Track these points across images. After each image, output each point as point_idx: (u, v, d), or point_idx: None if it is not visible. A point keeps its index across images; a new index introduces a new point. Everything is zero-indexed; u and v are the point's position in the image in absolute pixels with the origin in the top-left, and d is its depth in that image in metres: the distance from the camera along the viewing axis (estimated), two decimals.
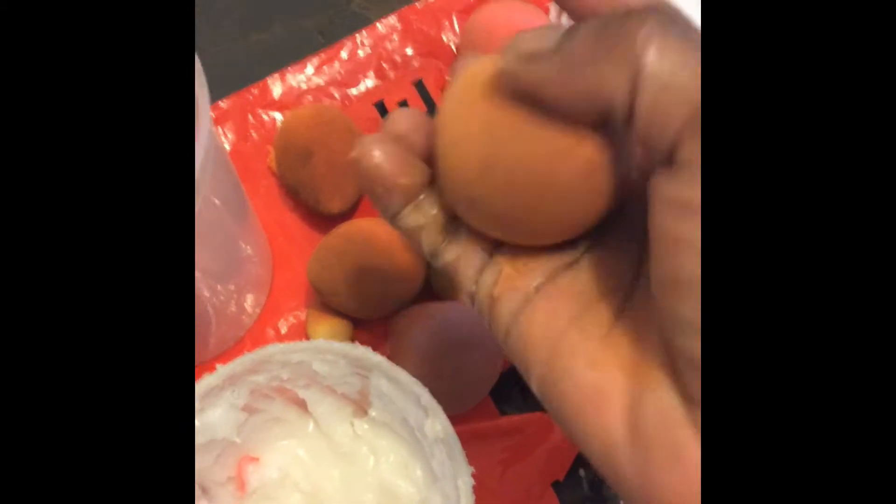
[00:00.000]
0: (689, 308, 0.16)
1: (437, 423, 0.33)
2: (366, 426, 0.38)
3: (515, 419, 0.40)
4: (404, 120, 0.21)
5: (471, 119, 0.19)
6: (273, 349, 0.34)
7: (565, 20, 0.43)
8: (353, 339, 0.43)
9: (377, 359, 0.34)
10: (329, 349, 0.34)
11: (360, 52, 0.50)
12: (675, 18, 0.16)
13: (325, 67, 0.49)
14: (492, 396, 0.42)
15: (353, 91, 0.49)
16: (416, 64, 0.50)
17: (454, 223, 0.22)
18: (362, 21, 0.52)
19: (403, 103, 0.49)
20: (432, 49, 0.50)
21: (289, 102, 0.49)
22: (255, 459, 0.38)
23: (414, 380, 0.33)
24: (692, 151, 0.15)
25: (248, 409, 0.37)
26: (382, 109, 0.49)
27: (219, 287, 0.40)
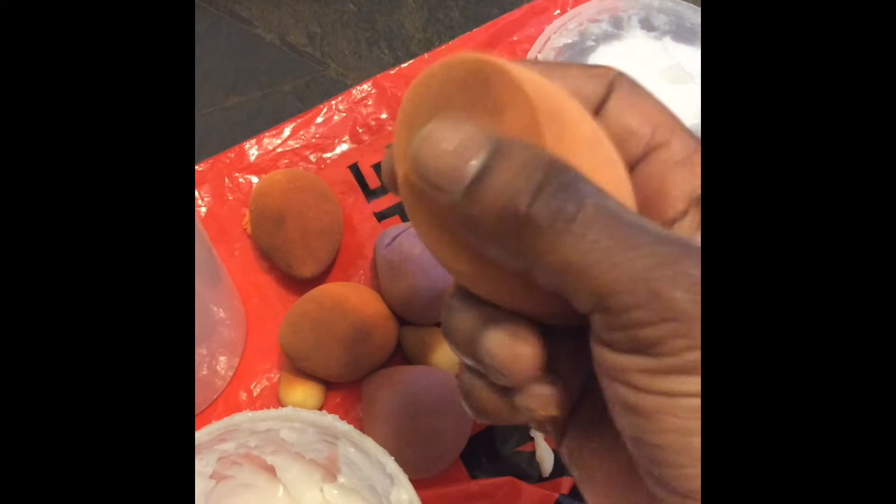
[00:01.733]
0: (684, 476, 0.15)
1: (403, 493, 0.33)
2: (335, 492, 0.38)
3: (485, 483, 0.40)
4: None
5: None
6: (240, 418, 0.34)
7: None
8: (323, 405, 0.43)
9: (344, 427, 0.34)
10: (297, 417, 0.35)
11: (336, 117, 0.51)
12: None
13: (301, 132, 0.50)
14: (462, 460, 0.42)
15: (328, 154, 0.50)
16: (390, 128, 0.51)
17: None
18: (339, 86, 0.53)
19: (377, 166, 0.50)
20: None
21: (265, 166, 0.50)
22: None
23: (380, 448, 0.34)
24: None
25: (217, 477, 0.37)
26: (357, 172, 0.50)
27: None
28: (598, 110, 0.19)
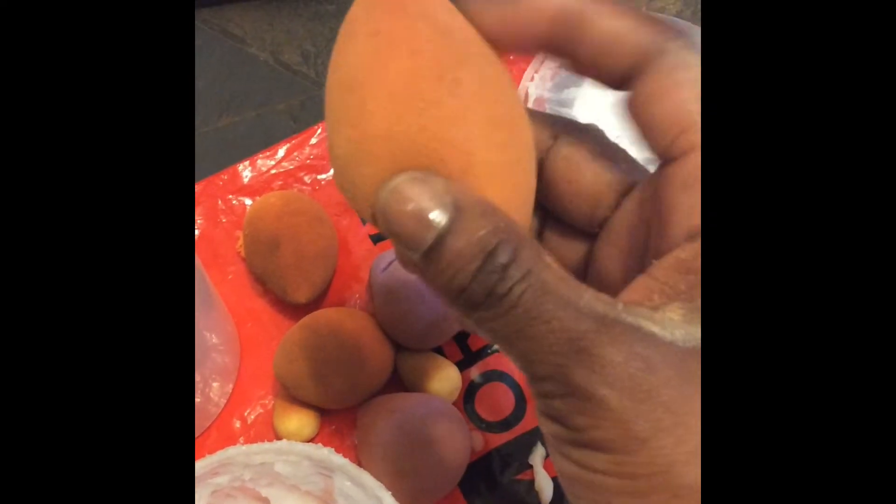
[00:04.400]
0: None
1: None
2: None
3: None
4: None
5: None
6: (234, 451, 0.34)
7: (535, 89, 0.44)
8: (318, 432, 0.43)
9: (340, 461, 0.34)
10: (291, 450, 0.34)
11: None
12: None
13: (295, 153, 0.50)
14: (461, 488, 0.41)
15: (323, 176, 0.50)
16: None
17: None
18: None
19: None
20: None
21: (259, 187, 0.49)
22: None
23: (377, 483, 0.33)
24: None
25: None
26: None
27: None
28: (633, 73, 0.18)
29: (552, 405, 0.16)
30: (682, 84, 0.17)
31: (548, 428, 0.17)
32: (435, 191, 0.16)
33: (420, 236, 0.16)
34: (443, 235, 0.16)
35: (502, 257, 0.16)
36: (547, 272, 0.16)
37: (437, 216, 0.16)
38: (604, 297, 0.16)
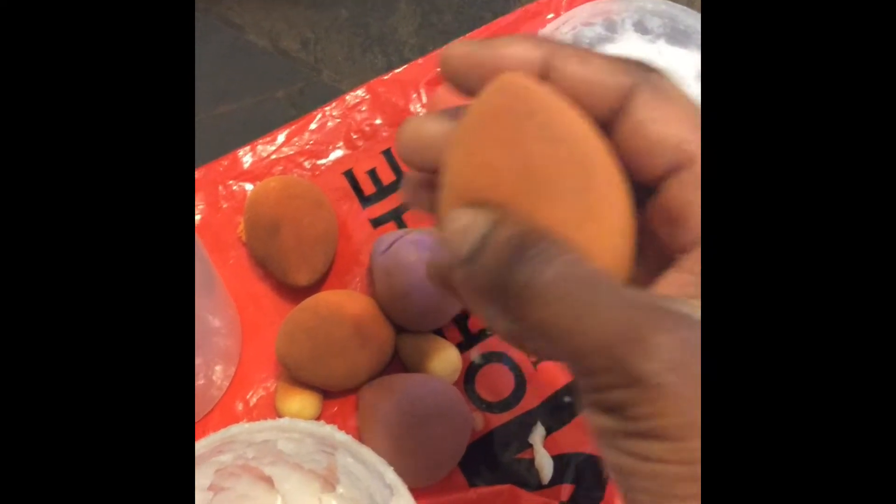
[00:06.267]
0: None
1: (402, 503, 0.32)
2: (334, 502, 0.38)
3: (484, 491, 0.40)
4: None
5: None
6: (237, 429, 0.34)
7: None
8: (320, 414, 0.43)
9: (342, 437, 0.34)
10: (294, 428, 0.34)
11: (330, 123, 0.51)
12: None
13: (295, 138, 0.50)
14: (461, 468, 0.41)
15: (323, 161, 0.50)
16: (384, 133, 0.51)
17: None
18: (333, 92, 0.53)
19: (372, 172, 0.50)
20: (400, 119, 0.51)
21: (259, 173, 0.49)
22: None
23: (379, 458, 0.33)
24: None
25: (214, 489, 0.36)
26: (352, 178, 0.50)
27: None
28: (617, 111, 0.18)
29: (609, 398, 0.16)
30: (671, 107, 0.18)
31: (601, 422, 0.17)
32: (487, 213, 0.17)
33: (464, 240, 0.17)
34: (486, 236, 0.17)
35: (543, 245, 0.16)
36: (590, 265, 0.16)
37: (483, 223, 0.17)
38: (644, 291, 0.16)
